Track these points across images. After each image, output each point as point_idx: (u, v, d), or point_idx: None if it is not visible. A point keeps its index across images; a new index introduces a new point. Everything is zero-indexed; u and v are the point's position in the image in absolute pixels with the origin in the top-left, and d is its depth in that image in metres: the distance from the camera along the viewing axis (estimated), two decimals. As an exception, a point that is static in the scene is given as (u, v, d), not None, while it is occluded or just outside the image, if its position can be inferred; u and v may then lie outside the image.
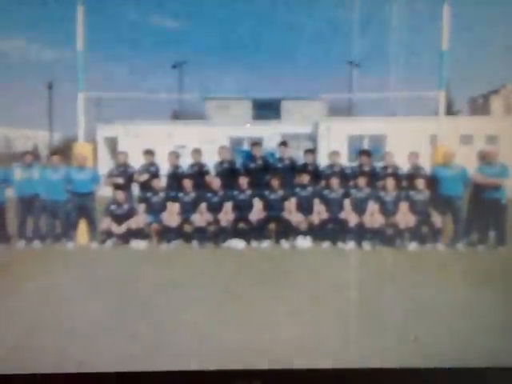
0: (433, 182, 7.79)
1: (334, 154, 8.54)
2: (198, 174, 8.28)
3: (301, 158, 8.64)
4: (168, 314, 4.50)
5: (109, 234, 7.77)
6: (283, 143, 8.60)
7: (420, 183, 7.71)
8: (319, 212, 7.80)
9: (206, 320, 4.36)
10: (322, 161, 8.88)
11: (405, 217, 7.59)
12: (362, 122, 20.37)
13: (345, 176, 8.13)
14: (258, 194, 7.98)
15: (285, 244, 7.68)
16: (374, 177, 8.05)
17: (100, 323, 4.26)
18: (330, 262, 6.81)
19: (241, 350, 3.70)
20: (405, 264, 6.62)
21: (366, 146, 17.90)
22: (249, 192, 7.99)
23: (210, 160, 8.57)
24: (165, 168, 8.48)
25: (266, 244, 7.68)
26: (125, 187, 8.16)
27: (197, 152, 8.57)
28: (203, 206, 7.89)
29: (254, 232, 7.75)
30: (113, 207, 7.89)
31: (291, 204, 7.87)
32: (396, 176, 7.93)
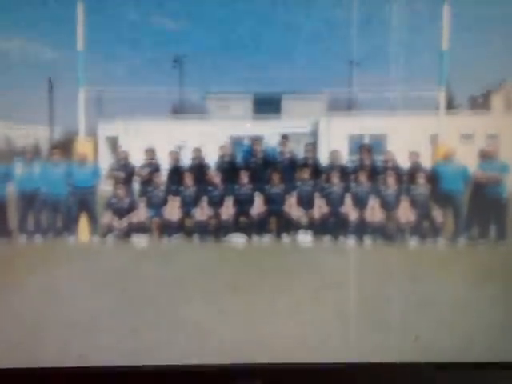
0: (433, 177, 7.79)
1: (335, 153, 8.53)
2: (199, 168, 8.28)
3: (301, 154, 8.63)
4: (169, 309, 4.51)
5: (110, 229, 7.78)
6: (284, 137, 8.58)
7: (421, 178, 7.71)
8: (320, 207, 7.81)
9: (207, 314, 4.37)
10: (323, 157, 8.86)
11: (405, 212, 7.59)
12: (363, 120, 20.31)
13: (345, 171, 8.13)
14: (258, 189, 7.98)
15: (286, 239, 7.69)
16: (374, 172, 8.04)
17: (101, 318, 4.28)
18: (330, 257, 6.82)
19: (241, 344, 3.71)
20: (405, 259, 6.63)
21: (366, 141, 17.85)
22: (249, 187, 7.99)
23: (211, 154, 8.56)
24: (166, 163, 8.48)
25: (266, 239, 7.69)
26: (126, 181, 8.17)
27: (197, 151, 8.56)
28: (204, 200, 7.90)
29: (255, 227, 7.76)
30: (114, 201, 7.90)
31: (292, 198, 7.87)
32: (397, 171, 7.93)
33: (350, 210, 7.67)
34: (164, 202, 7.97)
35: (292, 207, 7.81)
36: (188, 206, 7.91)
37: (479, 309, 4.47)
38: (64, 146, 10.32)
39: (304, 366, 3.02)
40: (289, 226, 7.78)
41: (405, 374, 2.91)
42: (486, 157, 7.72)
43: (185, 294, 4.97)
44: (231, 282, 5.44)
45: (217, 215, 7.76)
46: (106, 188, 8.46)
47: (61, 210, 7.85)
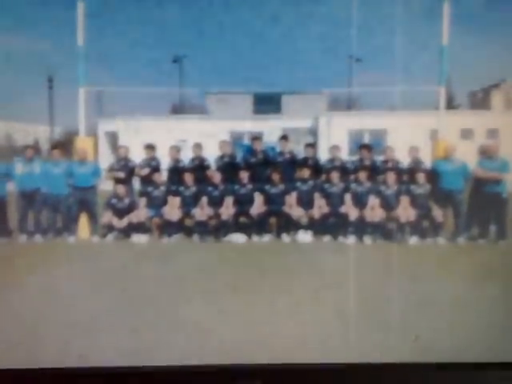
0: (433, 175, 7.79)
1: (335, 148, 8.54)
2: (199, 168, 8.29)
3: (301, 152, 8.65)
4: (169, 309, 4.51)
5: (110, 228, 7.80)
6: (284, 137, 8.59)
7: (421, 177, 7.71)
8: (320, 206, 7.81)
9: (207, 314, 4.37)
10: (323, 155, 8.88)
11: (405, 211, 7.60)
12: (363, 116, 20.34)
13: (345, 170, 8.14)
14: (258, 188, 7.99)
15: (286, 238, 7.69)
16: (374, 171, 8.05)
17: (101, 317, 4.28)
18: (330, 256, 6.83)
19: (241, 344, 3.71)
20: (405, 258, 6.62)
21: (366, 140, 17.87)
22: (249, 186, 7.99)
23: (211, 154, 8.57)
24: (166, 162, 8.49)
25: (266, 238, 7.70)
26: (126, 181, 8.17)
27: (198, 146, 8.57)
28: (204, 200, 7.90)
29: (255, 226, 7.77)
30: (114, 201, 7.90)
31: (292, 198, 7.87)
32: (397, 170, 7.94)
33: (349, 210, 7.67)
34: (164, 201, 7.97)
35: (292, 207, 7.82)
36: (188, 205, 7.91)
37: (479, 308, 4.47)
38: (64, 146, 10.33)
39: (304, 366, 3.03)
40: (289, 225, 7.78)
41: (405, 374, 2.91)
42: (486, 154, 7.72)
43: (185, 294, 4.97)
44: (231, 281, 5.44)
45: (217, 215, 7.76)
46: (106, 188, 8.47)
47: (61, 209, 7.86)
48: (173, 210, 7.83)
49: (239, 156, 8.82)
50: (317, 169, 8.16)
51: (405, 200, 7.66)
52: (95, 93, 11.87)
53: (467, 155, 7.90)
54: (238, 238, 7.63)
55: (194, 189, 8.01)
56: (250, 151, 8.61)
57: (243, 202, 7.88)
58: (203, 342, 3.77)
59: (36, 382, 2.86)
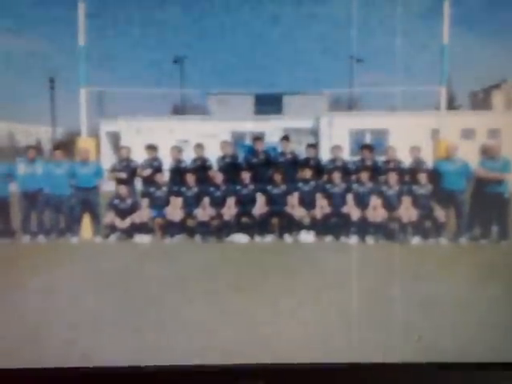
0: (435, 176, 7.79)
1: (336, 147, 8.54)
2: (201, 168, 8.30)
3: (303, 152, 8.65)
4: (171, 309, 4.52)
5: (112, 229, 7.81)
6: (285, 137, 8.60)
7: (422, 177, 7.71)
8: (322, 206, 7.82)
9: (209, 315, 4.38)
10: (324, 155, 8.88)
11: (407, 211, 7.60)
12: (364, 116, 20.35)
13: (347, 170, 8.14)
14: (260, 189, 7.99)
15: (288, 239, 7.70)
16: (376, 171, 8.05)
17: (104, 317, 4.29)
18: (332, 256, 6.83)
19: (244, 344, 3.72)
20: (407, 258, 6.62)
21: (367, 140, 17.88)
22: (251, 187, 8.00)
23: (213, 154, 8.58)
24: (168, 162, 8.50)
25: (269, 239, 7.70)
26: (128, 182, 8.18)
27: (199, 147, 8.58)
28: (206, 200, 7.91)
29: (257, 227, 7.77)
30: (116, 202, 7.92)
31: (294, 199, 7.88)
32: (398, 170, 7.94)
33: (351, 210, 7.67)
34: (166, 202, 7.98)
35: (294, 207, 7.82)
36: (190, 206, 7.92)
37: (482, 309, 4.47)
38: (66, 146, 10.35)
39: (306, 366, 3.03)
40: (291, 225, 7.79)
41: (407, 374, 2.92)
42: (487, 153, 7.71)
43: (187, 295, 4.98)
44: (233, 282, 5.44)
45: (219, 215, 7.77)
46: (108, 188, 8.48)
47: (63, 210, 7.88)
48: (175, 211, 7.85)
49: (241, 156, 8.82)
50: (319, 169, 8.17)
51: (407, 200, 7.66)
52: (97, 93, 11.87)
53: (468, 155, 7.90)
54: (241, 238, 7.63)
55: (195, 189, 8.02)
56: (252, 151, 8.62)
57: (245, 203, 7.89)
58: (206, 342, 3.78)
59: (39, 381, 2.87)
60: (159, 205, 7.98)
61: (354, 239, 7.56)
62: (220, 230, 7.78)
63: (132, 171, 8.33)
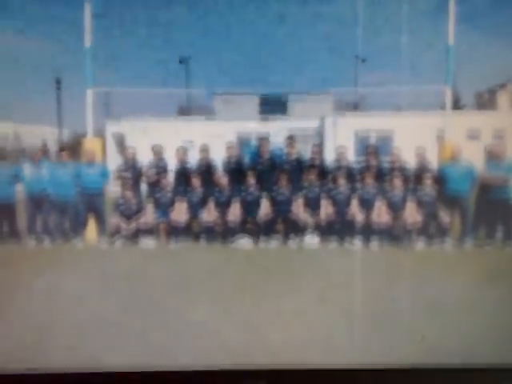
0: (440, 179, 7.76)
1: (341, 148, 8.53)
2: (206, 171, 8.29)
3: (308, 152, 8.59)
4: (176, 312, 4.54)
5: (118, 231, 7.82)
6: (290, 137, 8.56)
7: (427, 181, 7.69)
8: (326, 208, 7.81)
9: (214, 316, 4.39)
10: (329, 156, 8.85)
11: (412, 213, 7.58)
12: (369, 117, 20.28)
13: (352, 174, 8.12)
14: (265, 193, 7.99)
15: (292, 242, 7.70)
16: (381, 173, 8.03)
17: (109, 320, 4.31)
18: (337, 258, 6.83)
19: (247, 345, 3.74)
20: (412, 261, 6.62)
21: (373, 140, 17.81)
22: (256, 190, 7.99)
23: (218, 155, 8.56)
24: (173, 164, 8.50)
25: (273, 241, 7.71)
26: (133, 183, 8.19)
27: (204, 149, 8.56)
28: (211, 203, 7.92)
29: (262, 229, 7.77)
30: (121, 203, 7.93)
31: (299, 202, 7.87)
32: (403, 173, 7.92)
33: (356, 212, 7.67)
34: (171, 204, 7.99)
35: (299, 209, 7.82)
36: (195, 208, 7.93)
37: (486, 310, 4.47)
38: (72, 148, 10.38)
39: (309, 368, 3.04)
40: (296, 228, 7.78)
41: (411, 375, 2.93)
42: (492, 157, 7.68)
43: (192, 296, 5.00)
44: (238, 283, 5.46)
45: (224, 217, 7.78)
46: (113, 189, 8.49)
47: (69, 211, 7.89)
48: (180, 213, 7.86)
49: (246, 158, 8.79)
50: (323, 172, 8.14)
51: (411, 204, 7.65)
52: (103, 94, 11.92)
53: (474, 155, 7.86)
54: (245, 240, 7.64)
55: (201, 191, 8.01)
56: (257, 153, 8.58)
57: (250, 205, 7.88)
58: (209, 343, 3.80)
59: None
60: (164, 207, 7.96)
61: (358, 241, 7.55)
62: (225, 232, 7.77)
63: (137, 172, 8.33)
